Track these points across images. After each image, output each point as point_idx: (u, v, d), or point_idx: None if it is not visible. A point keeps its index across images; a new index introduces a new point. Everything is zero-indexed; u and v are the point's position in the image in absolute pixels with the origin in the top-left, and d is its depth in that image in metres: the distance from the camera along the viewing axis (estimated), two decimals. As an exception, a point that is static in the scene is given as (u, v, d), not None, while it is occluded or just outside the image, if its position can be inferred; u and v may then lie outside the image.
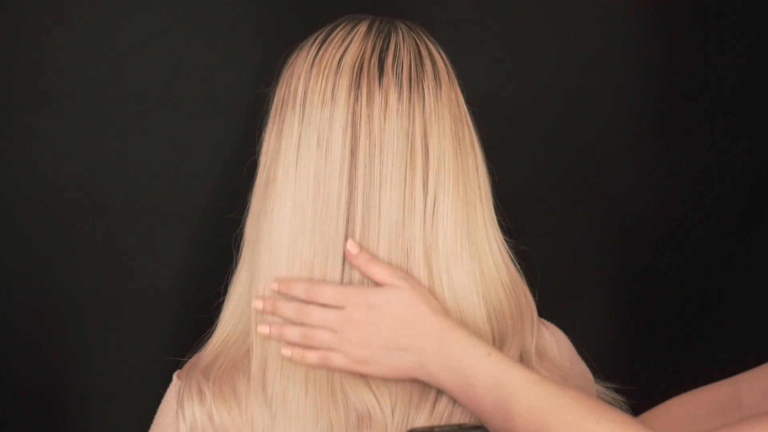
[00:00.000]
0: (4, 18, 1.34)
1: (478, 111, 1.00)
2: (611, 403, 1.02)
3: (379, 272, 0.93)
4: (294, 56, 0.99)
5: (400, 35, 0.98)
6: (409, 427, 0.94)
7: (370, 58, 0.95)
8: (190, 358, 1.03)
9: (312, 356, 0.94)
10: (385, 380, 0.94)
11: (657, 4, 1.56)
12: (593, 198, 1.60)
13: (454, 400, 0.94)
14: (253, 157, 1.01)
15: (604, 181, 1.60)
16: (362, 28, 0.97)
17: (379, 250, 0.93)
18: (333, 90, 0.94)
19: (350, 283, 0.94)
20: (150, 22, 1.37)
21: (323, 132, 0.94)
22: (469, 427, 0.82)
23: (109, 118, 1.39)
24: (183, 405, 0.97)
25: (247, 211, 1.00)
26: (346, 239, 0.93)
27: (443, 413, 0.94)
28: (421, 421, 0.94)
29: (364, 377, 0.94)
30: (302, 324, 0.95)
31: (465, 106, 0.99)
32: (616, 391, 1.03)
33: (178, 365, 1.04)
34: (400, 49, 0.96)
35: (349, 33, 0.97)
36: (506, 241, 1.00)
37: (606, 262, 1.63)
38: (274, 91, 1.00)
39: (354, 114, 0.94)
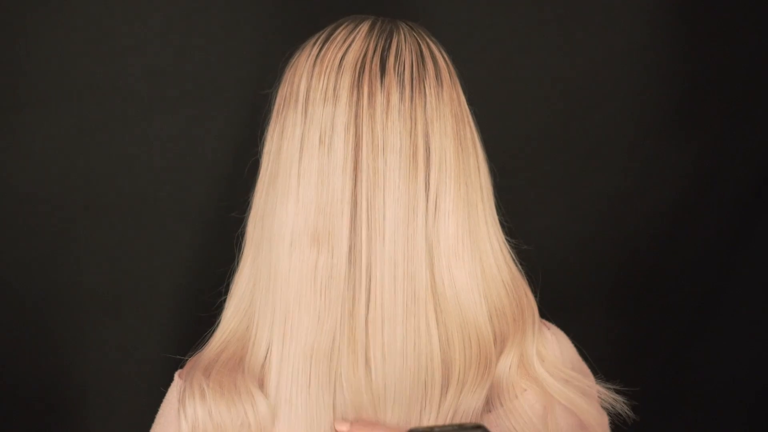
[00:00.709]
0: (4, 18, 1.34)
1: (480, 111, 1.01)
2: (612, 404, 1.02)
3: None
4: (296, 56, 0.99)
5: (402, 35, 0.98)
6: (409, 428, 0.94)
7: (372, 57, 0.95)
8: (191, 357, 1.03)
9: None
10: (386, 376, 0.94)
11: (657, 5, 1.56)
12: (593, 198, 1.61)
13: (458, 399, 0.94)
14: (255, 156, 1.01)
15: (604, 181, 1.60)
16: (364, 27, 0.97)
17: (385, 248, 0.93)
18: (335, 88, 0.94)
19: (352, 283, 0.94)
20: (151, 22, 1.38)
21: (325, 130, 0.94)
22: (469, 427, 0.81)
23: (110, 118, 1.39)
24: (184, 404, 0.97)
25: (249, 210, 1.00)
26: (351, 238, 0.93)
27: (448, 412, 0.95)
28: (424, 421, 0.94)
29: (366, 371, 0.94)
30: None
31: (467, 106, 0.99)
32: (617, 391, 1.03)
33: (180, 364, 1.04)
34: (401, 49, 0.96)
35: (350, 33, 0.97)
36: (507, 241, 1.00)
37: (606, 263, 1.63)
38: (276, 91, 1.00)
39: (357, 112, 0.94)
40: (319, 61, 0.96)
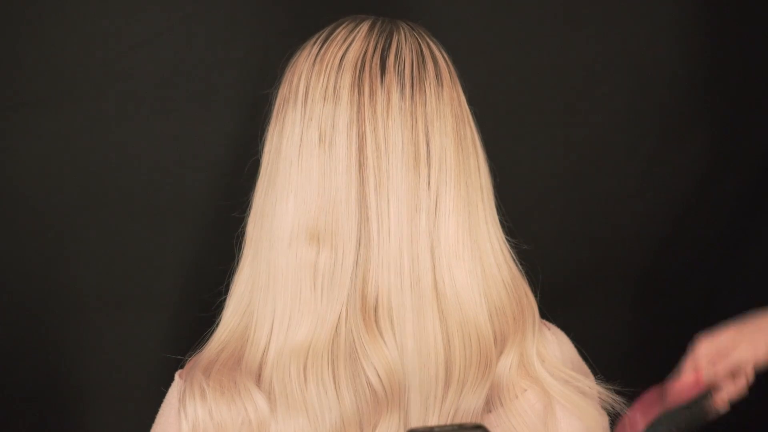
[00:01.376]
0: (4, 18, 1.34)
1: (480, 111, 1.00)
2: (612, 404, 1.02)
3: None
4: (296, 56, 0.99)
5: (402, 35, 0.98)
6: (408, 428, 0.94)
7: (372, 56, 0.95)
8: (191, 357, 1.03)
9: None
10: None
11: (657, 5, 1.56)
12: (593, 198, 1.61)
13: (458, 399, 0.94)
14: (255, 156, 1.01)
15: (604, 181, 1.60)
16: (364, 27, 0.97)
17: (391, 246, 0.93)
18: (335, 87, 0.94)
19: (360, 281, 0.94)
20: (151, 22, 1.37)
21: (325, 129, 0.94)
22: (469, 427, 0.81)
23: (110, 118, 1.39)
24: (185, 404, 0.96)
25: (249, 209, 1.00)
26: (358, 237, 0.93)
27: (449, 412, 0.95)
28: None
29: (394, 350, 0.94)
30: None
31: (467, 106, 0.99)
32: (617, 392, 1.03)
33: (180, 364, 1.04)
34: (402, 49, 0.96)
35: (351, 32, 0.97)
36: (508, 241, 1.00)
37: (606, 262, 1.63)
38: (277, 91, 1.00)
39: (358, 111, 0.94)
40: (319, 60, 0.96)
